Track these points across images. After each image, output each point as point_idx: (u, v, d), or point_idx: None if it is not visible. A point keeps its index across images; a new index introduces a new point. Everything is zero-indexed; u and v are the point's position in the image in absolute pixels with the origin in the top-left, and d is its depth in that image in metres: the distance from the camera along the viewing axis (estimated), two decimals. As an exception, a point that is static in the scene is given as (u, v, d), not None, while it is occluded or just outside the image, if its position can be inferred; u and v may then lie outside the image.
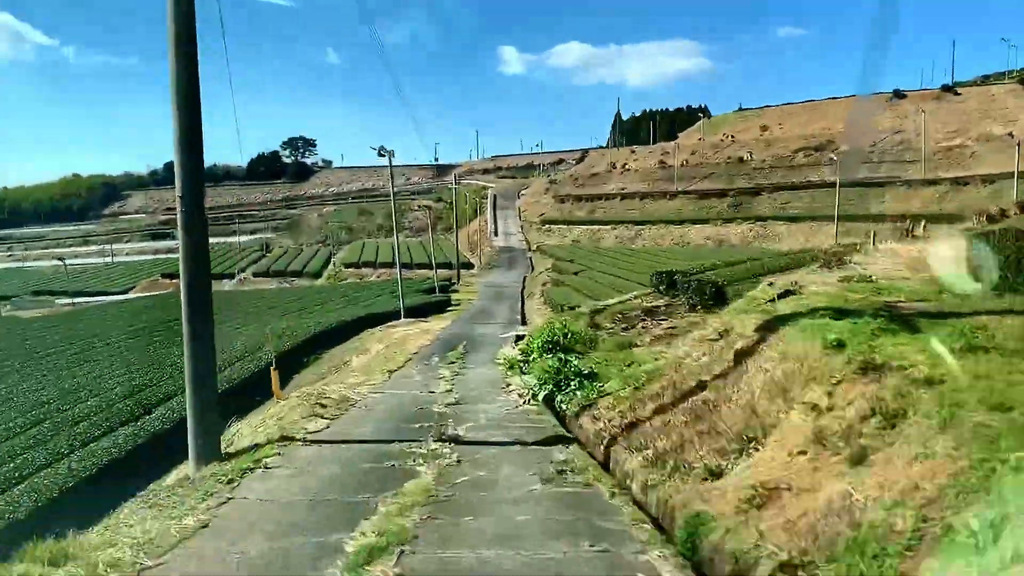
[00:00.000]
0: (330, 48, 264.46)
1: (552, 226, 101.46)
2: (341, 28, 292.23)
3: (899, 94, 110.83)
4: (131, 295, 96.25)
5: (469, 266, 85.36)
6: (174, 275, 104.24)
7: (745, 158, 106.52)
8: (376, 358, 23.88)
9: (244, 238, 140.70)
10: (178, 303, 9.65)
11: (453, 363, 21.20)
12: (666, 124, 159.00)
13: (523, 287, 65.54)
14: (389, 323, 35.84)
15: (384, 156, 37.28)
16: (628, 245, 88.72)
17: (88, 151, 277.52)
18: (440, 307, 45.92)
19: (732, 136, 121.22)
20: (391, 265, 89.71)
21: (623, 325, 21.28)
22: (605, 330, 21.00)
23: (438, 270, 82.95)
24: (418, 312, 40.42)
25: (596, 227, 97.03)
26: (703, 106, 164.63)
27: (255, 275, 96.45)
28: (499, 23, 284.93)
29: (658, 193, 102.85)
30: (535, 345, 19.11)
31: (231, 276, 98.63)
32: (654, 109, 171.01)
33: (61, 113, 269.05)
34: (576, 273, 55.41)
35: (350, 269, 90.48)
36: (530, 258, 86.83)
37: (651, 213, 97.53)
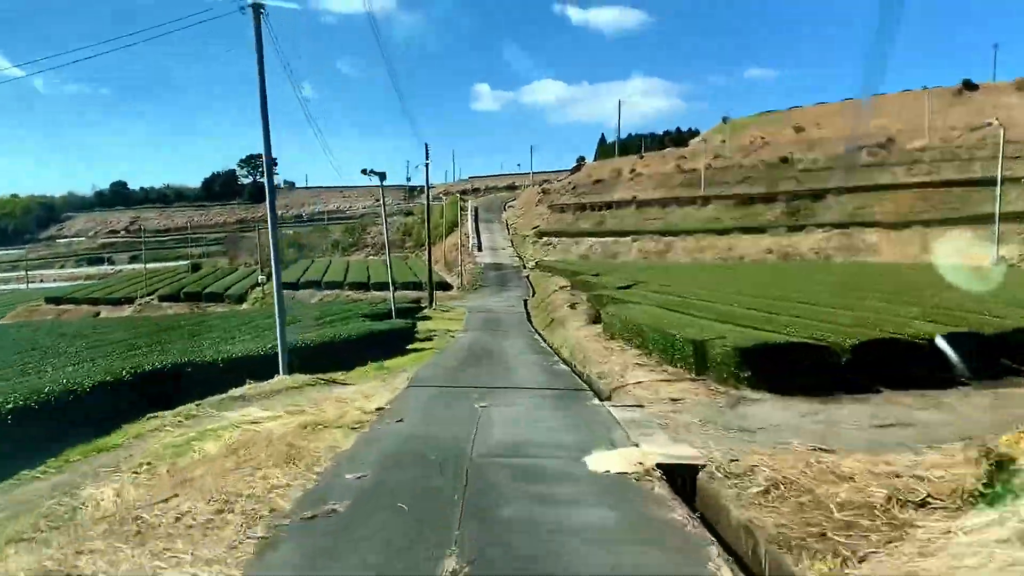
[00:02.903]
0: (307, 83, 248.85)
1: (552, 239, 79.52)
2: (312, 55, 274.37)
3: (970, 86, 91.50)
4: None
5: (446, 287, 63.01)
6: (60, 300, 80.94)
7: (789, 158, 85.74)
8: None
9: (174, 263, 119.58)
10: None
11: None
12: (657, 144, 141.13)
13: (527, 313, 43.51)
14: (227, 394, 13.15)
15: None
16: (656, 260, 66.86)
17: (35, 172, 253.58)
18: (395, 344, 23.36)
19: (763, 137, 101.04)
20: (340, 285, 67.13)
21: None
22: None
23: (405, 291, 60.49)
24: (338, 360, 17.86)
25: (609, 239, 75.35)
26: (693, 129, 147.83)
27: (162, 300, 73.03)
28: (473, 60, 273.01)
29: (684, 199, 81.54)
30: None
31: (131, 301, 75.32)
32: (642, 133, 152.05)
33: (13, 136, 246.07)
34: (627, 287, 33.24)
35: (285, 291, 67.27)
36: (527, 277, 64.86)
37: (677, 222, 76.10)
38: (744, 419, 10.89)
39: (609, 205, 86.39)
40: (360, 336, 21.14)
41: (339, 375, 16.25)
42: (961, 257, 44.35)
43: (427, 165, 44.78)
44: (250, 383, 14.08)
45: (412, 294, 56.58)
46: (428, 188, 45.54)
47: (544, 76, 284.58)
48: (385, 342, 22.66)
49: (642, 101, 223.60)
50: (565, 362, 19.87)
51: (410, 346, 25.04)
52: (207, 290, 73.05)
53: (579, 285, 42.45)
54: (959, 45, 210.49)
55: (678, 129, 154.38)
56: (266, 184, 15.65)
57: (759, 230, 66.65)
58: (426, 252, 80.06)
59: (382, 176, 32.69)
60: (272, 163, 16.09)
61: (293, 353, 17.03)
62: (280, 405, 12.10)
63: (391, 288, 34.70)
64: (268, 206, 15.76)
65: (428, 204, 46.74)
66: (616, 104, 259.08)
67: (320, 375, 15.43)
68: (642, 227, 75.94)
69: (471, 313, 41.73)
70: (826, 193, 70.75)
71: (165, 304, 71.31)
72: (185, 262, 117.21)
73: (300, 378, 14.78)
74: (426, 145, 44.70)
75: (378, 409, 11.52)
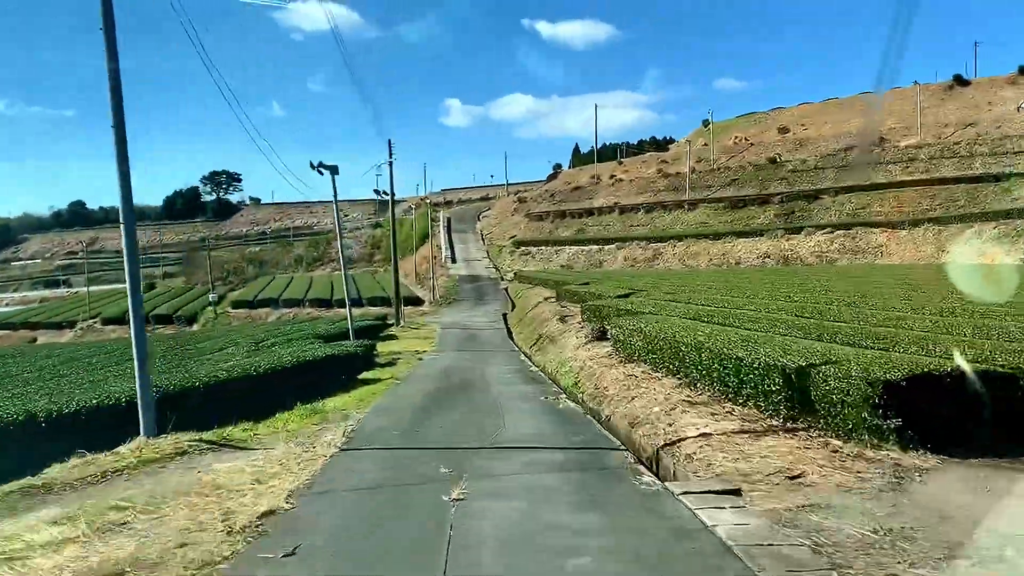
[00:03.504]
0: (275, 101, 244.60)
1: (531, 248, 74.43)
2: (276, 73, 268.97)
3: (961, 81, 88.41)
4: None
5: (417, 302, 57.74)
6: (2, 326, 74.33)
7: (777, 159, 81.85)
8: None
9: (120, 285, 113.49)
10: None
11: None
12: (635, 151, 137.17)
13: (507, 328, 38.56)
14: (28, 480, 7.69)
15: None
16: (645, 268, 62.16)
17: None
18: (345, 372, 18.05)
19: (747, 139, 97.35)
20: (300, 303, 61.50)
21: None
22: None
23: (372, 307, 55.24)
24: (256, 401, 12.59)
25: (593, 247, 70.45)
26: (668, 137, 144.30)
27: (106, 323, 66.84)
28: (442, 75, 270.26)
29: (670, 203, 77.10)
30: None
31: (73, 325, 69.09)
32: (616, 143, 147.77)
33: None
34: (627, 295, 28.24)
35: (240, 310, 61.77)
36: (505, 289, 59.78)
37: (664, 228, 71.49)
38: (947, 521, 5.77)
39: (590, 212, 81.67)
40: (292, 366, 15.69)
41: (242, 429, 10.87)
42: (985, 256, 39.97)
43: (391, 164, 39.59)
44: (81, 456, 8.68)
45: (379, 310, 51.43)
46: (392, 188, 40.43)
47: (514, 90, 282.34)
48: (331, 371, 17.29)
49: (613, 113, 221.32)
50: (569, 395, 14.69)
51: (365, 374, 19.68)
52: (155, 311, 66.88)
53: (566, 295, 37.36)
54: (941, 42, 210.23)
55: (653, 138, 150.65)
56: (117, 178, 10.12)
57: (755, 233, 62.08)
58: (399, 264, 74.94)
59: (334, 170, 27.45)
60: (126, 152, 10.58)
61: (183, 398, 11.67)
62: (97, 505, 6.75)
63: (348, 304, 29.29)
64: (120, 199, 10.21)
65: (392, 206, 41.47)
66: (585, 117, 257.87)
67: (207, 434, 10.05)
68: (628, 234, 71.19)
69: (444, 330, 36.53)
70: (822, 193, 66.54)
71: (109, 327, 65.15)
72: (120, 285, 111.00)
73: (170, 443, 9.38)
74: (389, 142, 39.58)
75: (264, 515, 6.23)
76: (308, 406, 13.13)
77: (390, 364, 23.30)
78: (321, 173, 27.31)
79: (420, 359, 24.66)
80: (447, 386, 16.35)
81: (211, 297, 61.63)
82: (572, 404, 13.41)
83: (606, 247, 69.02)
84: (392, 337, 35.17)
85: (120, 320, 67.18)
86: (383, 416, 12.03)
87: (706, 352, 11.66)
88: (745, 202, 70.95)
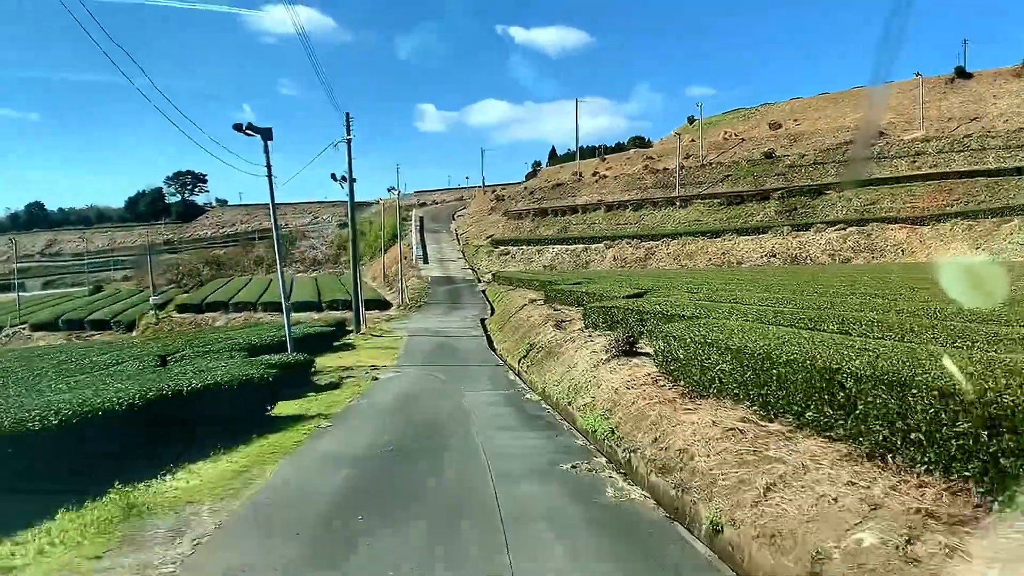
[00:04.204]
0: (246, 105, 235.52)
1: (511, 248, 68.15)
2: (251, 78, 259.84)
3: (963, 74, 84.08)
4: None
5: (384, 305, 51.31)
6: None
7: (773, 154, 76.59)
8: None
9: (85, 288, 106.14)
10: None
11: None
12: (615, 151, 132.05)
13: (487, 336, 32.34)
14: None
15: None
16: (637, 267, 56.29)
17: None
18: (254, 403, 11.75)
19: (736, 134, 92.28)
20: (250, 307, 54.70)
21: None
22: None
23: (333, 311, 48.78)
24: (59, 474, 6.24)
25: (579, 246, 64.37)
26: (646, 139, 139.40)
27: (35, 328, 59.47)
28: (417, 80, 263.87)
29: (660, 200, 71.37)
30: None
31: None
32: (593, 145, 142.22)
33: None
34: (640, 294, 22.31)
35: (186, 314, 54.79)
36: (483, 291, 53.54)
37: (654, 226, 65.69)
38: None
39: (574, 209, 75.72)
40: (125, 409, 9.12)
41: None
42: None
43: (349, 141, 33.12)
44: None
45: (341, 315, 44.85)
46: (351, 169, 33.89)
47: (488, 96, 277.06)
48: (218, 410, 10.92)
49: (588, 119, 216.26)
50: (604, 450, 8.56)
51: (287, 406, 13.33)
52: (91, 316, 59.56)
53: (557, 297, 31.31)
54: (927, 40, 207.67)
55: (632, 139, 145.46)
56: None
57: (757, 230, 56.45)
58: (367, 266, 68.31)
59: (265, 134, 21.17)
60: None
61: None
62: None
63: (284, 308, 22.81)
64: None
65: (352, 188, 34.99)
66: (560, 122, 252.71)
67: None
68: (616, 232, 65.24)
69: (412, 338, 30.27)
70: (827, 189, 61.21)
71: (38, 334, 57.85)
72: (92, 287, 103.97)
73: None
74: (347, 115, 33.04)
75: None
76: (122, 495, 6.82)
77: (333, 386, 17.04)
78: (249, 135, 20.98)
79: (375, 379, 18.43)
80: (403, 438, 10.14)
81: (152, 300, 54.64)
82: (629, 487, 7.26)
83: (593, 246, 63.03)
84: (349, 347, 28.85)
85: (54, 326, 60.03)
86: (253, 539, 5.77)
87: (927, 395, 5.58)
88: (742, 198, 65.46)
